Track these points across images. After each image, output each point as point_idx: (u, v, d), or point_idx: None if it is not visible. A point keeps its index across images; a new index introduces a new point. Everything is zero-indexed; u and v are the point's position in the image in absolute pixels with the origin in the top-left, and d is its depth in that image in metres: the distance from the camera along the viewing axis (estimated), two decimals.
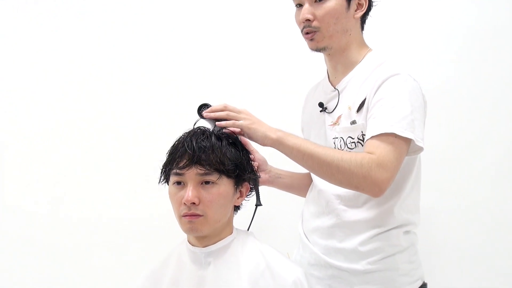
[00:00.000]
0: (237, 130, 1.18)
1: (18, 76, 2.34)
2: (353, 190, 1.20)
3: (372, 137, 1.16)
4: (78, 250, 2.20)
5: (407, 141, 1.16)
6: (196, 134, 1.13)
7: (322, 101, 1.35)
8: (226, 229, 1.15)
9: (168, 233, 1.34)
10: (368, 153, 1.14)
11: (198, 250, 1.13)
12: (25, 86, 2.33)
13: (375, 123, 1.16)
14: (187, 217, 1.08)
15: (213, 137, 1.12)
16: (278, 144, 1.18)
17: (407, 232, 1.28)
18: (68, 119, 2.28)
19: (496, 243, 1.89)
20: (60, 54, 2.31)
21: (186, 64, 2.22)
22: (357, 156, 1.13)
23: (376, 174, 1.11)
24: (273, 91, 2.11)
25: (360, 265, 1.24)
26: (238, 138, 1.18)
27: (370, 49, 1.33)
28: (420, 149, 1.20)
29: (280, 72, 2.09)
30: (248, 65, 2.15)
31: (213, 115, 1.20)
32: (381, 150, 1.12)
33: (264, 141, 1.18)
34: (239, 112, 1.21)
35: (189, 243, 1.16)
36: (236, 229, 1.19)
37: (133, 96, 2.25)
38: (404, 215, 1.26)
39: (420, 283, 1.29)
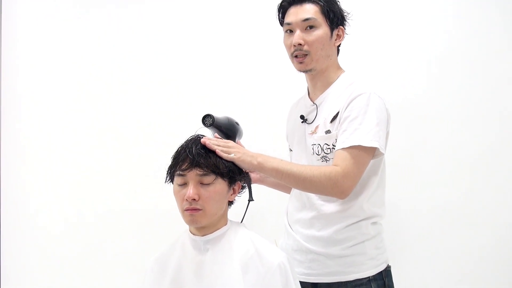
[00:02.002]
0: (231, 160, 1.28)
1: (19, 80, 2.39)
2: (324, 195, 1.39)
3: (342, 149, 1.33)
4: (97, 240, 2.28)
5: (372, 150, 1.34)
6: (196, 141, 1.27)
7: (303, 114, 1.51)
8: (221, 220, 1.28)
9: (172, 224, 1.47)
10: (335, 165, 1.31)
11: (198, 238, 1.27)
12: (30, 89, 2.37)
13: (345, 137, 1.34)
14: (189, 211, 1.22)
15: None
16: (260, 169, 1.33)
17: (374, 223, 1.45)
18: (69, 121, 2.34)
19: (449, 232, 2.06)
20: (59, 55, 2.34)
21: (185, 65, 2.27)
22: (325, 170, 1.30)
23: (341, 184, 1.30)
24: (267, 96, 2.20)
25: (335, 250, 1.40)
26: None
27: (344, 71, 1.50)
28: (382, 154, 1.38)
29: (272, 81, 2.19)
30: (247, 69, 2.22)
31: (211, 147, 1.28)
32: (346, 163, 1.31)
33: (250, 168, 1.33)
34: (228, 146, 1.30)
35: (191, 232, 1.29)
36: (230, 220, 1.33)
37: (133, 96, 2.29)
38: (372, 209, 1.43)
39: (385, 266, 1.45)
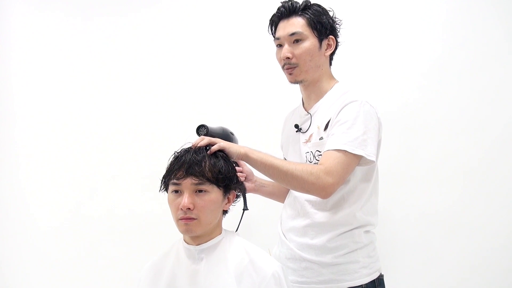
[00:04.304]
0: (220, 148, 1.30)
1: (17, 81, 2.39)
2: (305, 193, 1.39)
3: (327, 151, 1.35)
4: (94, 243, 2.27)
5: (357, 156, 1.35)
6: (192, 149, 1.27)
7: (297, 123, 1.53)
8: (216, 230, 1.28)
9: (170, 227, 1.42)
10: (320, 164, 1.33)
11: (192, 247, 1.26)
12: (28, 93, 2.37)
13: (332, 140, 1.36)
14: (183, 220, 1.21)
15: (205, 152, 1.26)
16: (246, 158, 1.34)
17: (367, 232, 1.46)
18: (66, 123, 2.34)
19: (444, 239, 2.08)
20: (58, 57, 2.35)
21: (185, 69, 2.29)
22: (308, 167, 1.33)
23: (323, 181, 1.31)
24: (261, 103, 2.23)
25: (328, 258, 1.41)
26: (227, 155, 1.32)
27: (337, 81, 1.52)
28: (372, 162, 1.39)
29: (270, 85, 2.19)
30: (245, 74, 2.24)
31: (199, 145, 1.30)
32: (330, 161, 1.32)
33: (237, 156, 1.33)
34: (215, 139, 1.33)
35: (185, 241, 1.29)
36: (225, 230, 1.32)
37: (132, 99, 2.30)
38: (365, 217, 1.44)
39: (377, 274, 1.46)
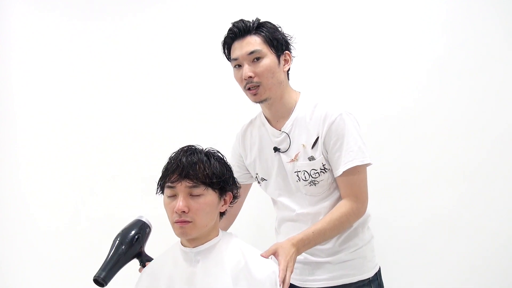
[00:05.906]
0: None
1: (16, 84, 2.40)
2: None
3: (343, 175, 1.41)
4: (93, 245, 2.23)
5: (367, 165, 1.42)
6: (186, 152, 1.26)
7: (275, 146, 1.51)
8: (212, 232, 1.28)
9: (167, 232, 1.42)
10: (347, 196, 1.40)
11: (189, 250, 1.27)
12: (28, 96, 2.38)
13: (341, 162, 1.40)
14: (179, 223, 1.22)
15: (200, 155, 1.26)
16: (304, 250, 1.37)
17: (368, 228, 1.53)
18: (66, 124, 2.34)
19: (442, 242, 2.08)
20: (57, 60, 2.36)
21: (186, 71, 2.29)
22: (346, 211, 1.41)
23: (362, 211, 1.45)
24: None
25: (339, 257, 1.47)
26: (223, 156, 1.32)
27: (299, 92, 1.52)
28: (370, 164, 1.44)
29: None
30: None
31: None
32: (355, 188, 1.41)
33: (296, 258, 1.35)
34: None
35: (181, 244, 1.29)
36: (222, 231, 1.33)
37: (131, 101, 2.31)
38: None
39: (378, 267, 1.55)
